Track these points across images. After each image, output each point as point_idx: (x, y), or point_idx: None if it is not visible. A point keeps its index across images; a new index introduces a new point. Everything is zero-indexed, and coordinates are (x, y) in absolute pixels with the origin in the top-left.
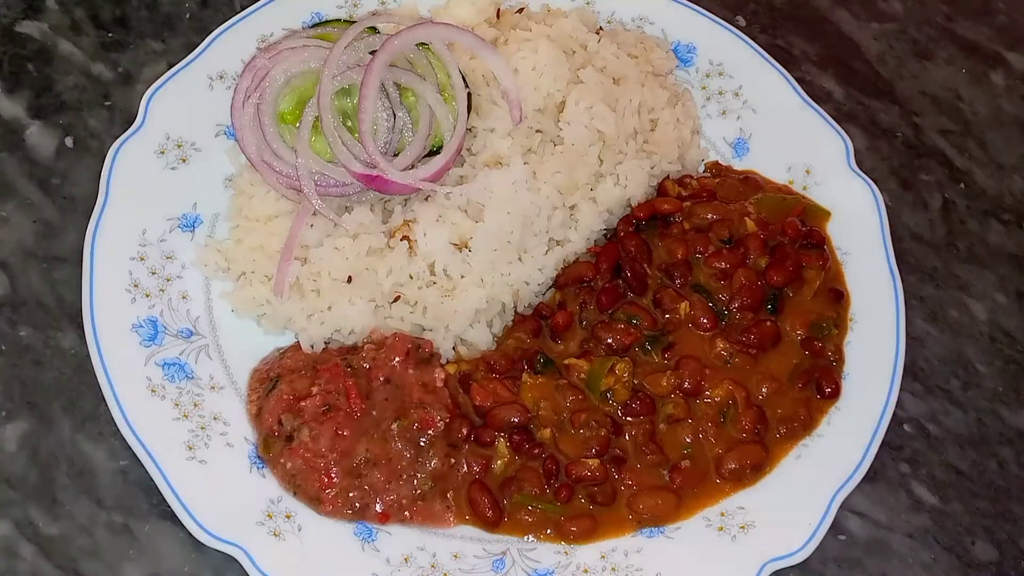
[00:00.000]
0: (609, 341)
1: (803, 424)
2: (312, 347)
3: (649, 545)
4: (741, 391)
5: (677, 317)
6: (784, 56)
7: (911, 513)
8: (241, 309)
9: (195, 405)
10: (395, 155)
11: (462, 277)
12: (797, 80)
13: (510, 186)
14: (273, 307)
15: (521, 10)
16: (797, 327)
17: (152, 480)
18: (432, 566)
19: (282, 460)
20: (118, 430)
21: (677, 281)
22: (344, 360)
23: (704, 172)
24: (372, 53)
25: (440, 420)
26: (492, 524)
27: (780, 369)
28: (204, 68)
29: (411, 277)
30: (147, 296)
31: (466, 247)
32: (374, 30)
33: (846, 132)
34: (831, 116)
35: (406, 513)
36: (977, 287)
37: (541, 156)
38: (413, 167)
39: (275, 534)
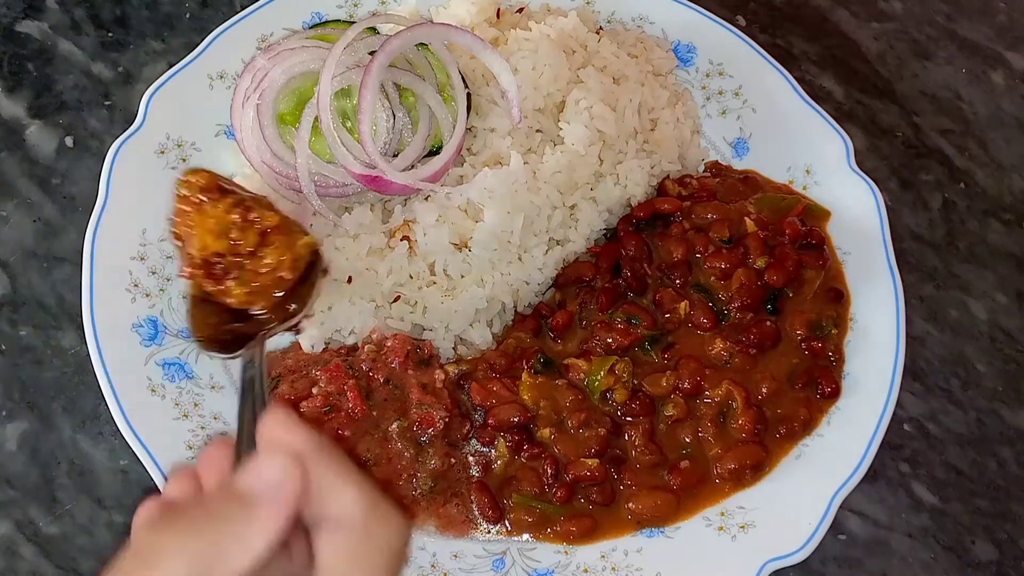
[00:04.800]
0: (609, 341)
1: (803, 424)
2: (312, 347)
3: (649, 545)
4: (741, 391)
5: (677, 317)
6: (784, 56)
7: (911, 513)
8: None
9: (195, 405)
10: (395, 155)
11: (462, 277)
12: (797, 80)
13: (510, 186)
14: None
15: (521, 10)
16: (797, 327)
17: (152, 480)
18: (432, 566)
19: None
20: (118, 430)
21: (677, 281)
22: (345, 361)
23: (704, 172)
24: (372, 54)
25: (440, 419)
26: (491, 524)
27: (780, 369)
28: (204, 68)
29: (411, 277)
30: (147, 296)
31: (466, 247)
32: (374, 31)
33: (846, 132)
34: (831, 116)
35: (409, 515)
36: (977, 287)
37: (541, 156)
38: (413, 167)
39: None
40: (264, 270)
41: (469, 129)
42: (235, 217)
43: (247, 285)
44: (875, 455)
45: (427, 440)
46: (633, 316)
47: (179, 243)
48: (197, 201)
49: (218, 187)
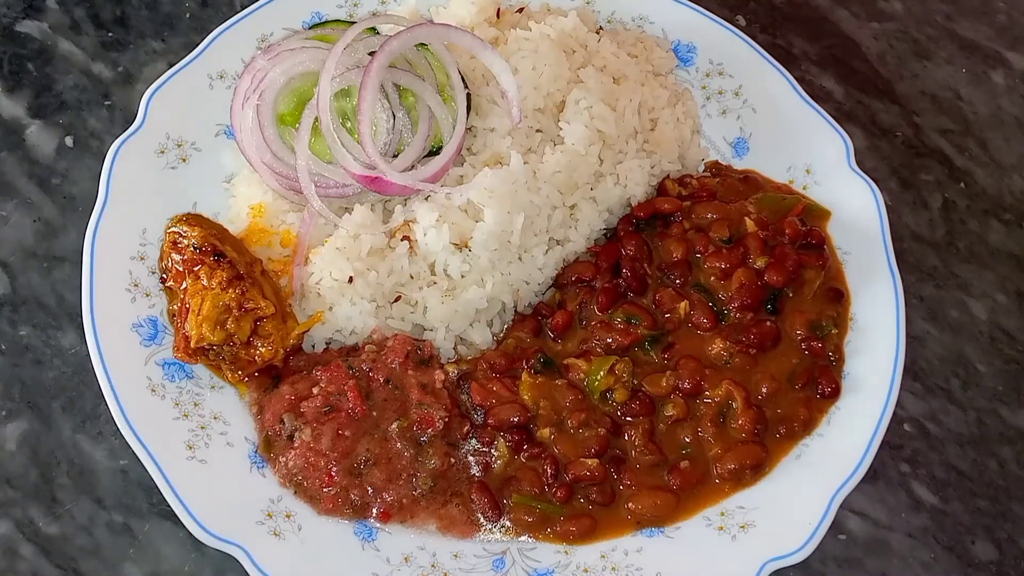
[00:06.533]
0: (609, 341)
1: (803, 424)
2: (313, 347)
3: (649, 545)
4: (740, 391)
5: (677, 317)
6: (784, 56)
7: (911, 513)
8: None
9: (195, 404)
10: (395, 156)
11: (462, 277)
12: (797, 80)
13: (510, 186)
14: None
15: (521, 10)
16: (797, 327)
17: (152, 480)
18: (432, 566)
19: (283, 459)
20: (118, 430)
21: (677, 281)
22: (345, 361)
23: (704, 171)
24: (371, 54)
25: (440, 419)
26: (491, 523)
27: (780, 369)
28: (204, 68)
29: (412, 277)
30: (147, 295)
31: (466, 247)
32: (374, 31)
33: (846, 132)
34: (831, 116)
35: (409, 515)
36: (977, 287)
37: (541, 156)
38: (413, 168)
39: (275, 534)
40: (257, 359)
41: (469, 129)
42: (231, 300)
43: (239, 371)
44: (875, 455)
45: (427, 440)
46: (633, 316)
47: (168, 284)
48: (191, 259)
49: (213, 249)
